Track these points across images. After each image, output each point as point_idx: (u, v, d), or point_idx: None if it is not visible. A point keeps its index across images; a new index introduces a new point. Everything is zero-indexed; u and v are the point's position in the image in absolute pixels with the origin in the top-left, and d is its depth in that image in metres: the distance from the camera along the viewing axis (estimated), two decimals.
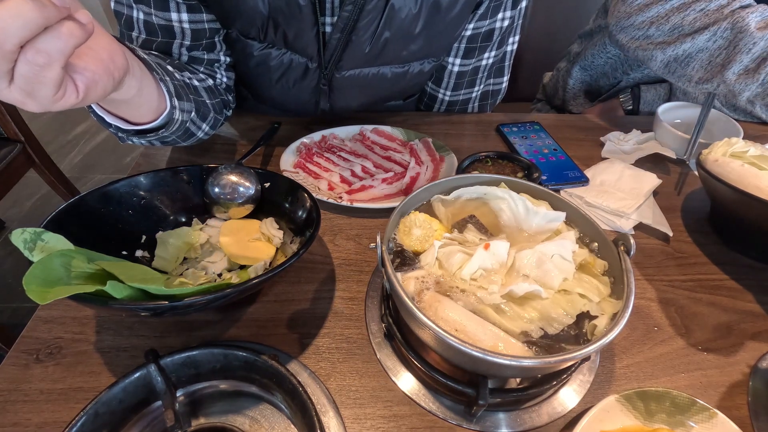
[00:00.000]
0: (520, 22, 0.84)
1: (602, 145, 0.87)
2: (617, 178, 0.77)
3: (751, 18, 0.69)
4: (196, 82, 0.68)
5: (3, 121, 1.38)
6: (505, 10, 0.79)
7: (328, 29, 0.70)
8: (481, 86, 0.92)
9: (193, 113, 0.63)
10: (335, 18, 0.69)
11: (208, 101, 0.69)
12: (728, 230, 0.68)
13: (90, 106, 0.48)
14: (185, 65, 0.70)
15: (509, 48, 0.88)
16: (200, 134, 0.69)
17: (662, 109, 0.87)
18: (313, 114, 0.88)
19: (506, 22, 0.81)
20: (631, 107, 1.04)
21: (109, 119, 0.52)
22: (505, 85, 0.95)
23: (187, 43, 0.68)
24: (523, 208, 0.51)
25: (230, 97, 0.80)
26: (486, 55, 0.85)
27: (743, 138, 0.72)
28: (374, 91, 0.84)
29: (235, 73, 0.81)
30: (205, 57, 0.72)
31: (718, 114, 0.88)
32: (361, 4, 0.65)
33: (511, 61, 0.92)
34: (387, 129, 0.85)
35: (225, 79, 0.77)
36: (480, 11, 0.77)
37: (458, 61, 0.85)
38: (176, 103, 0.56)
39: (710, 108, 0.82)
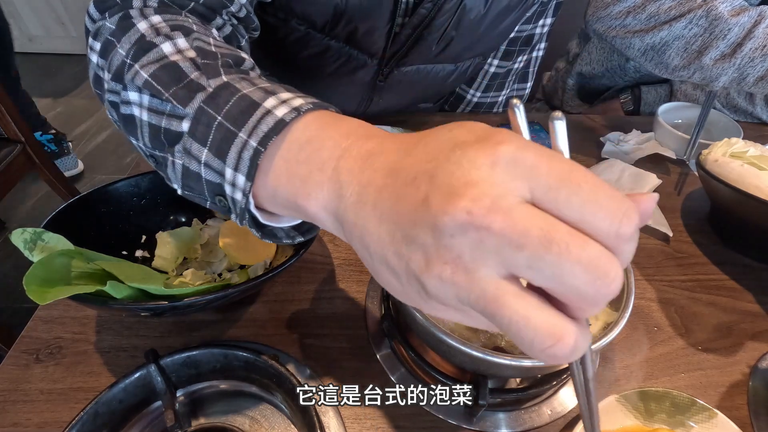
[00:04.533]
0: (551, 30, 0.85)
1: (602, 145, 0.87)
2: (617, 178, 0.77)
3: (723, 7, 0.71)
4: None
5: (3, 122, 1.37)
6: (546, 17, 0.81)
7: (400, 24, 0.68)
8: (508, 90, 0.93)
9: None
10: (408, 17, 0.67)
11: None
12: (728, 230, 0.68)
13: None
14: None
15: (536, 54, 0.89)
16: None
17: (662, 109, 0.87)
18: (352, 112, 0.88)
19: (546, 29, 0.82)
20: (631, 108, 1.05)
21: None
22: (528, 91, 0.97)
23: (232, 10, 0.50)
24: None
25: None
26: (520, 58, 0.87)
27: (743, 138, 0.72)
28: (421, 90, 0.83)
29: (274, 62, 0.76)
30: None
31: (718, 114, 0.88)
32: (441, 3, 0.64)
33: (536, 68, 0.93)
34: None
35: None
36: (528, 14, 0.78)
37: (496, 62, 0.86)
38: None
39: (710, 108, 0.82)
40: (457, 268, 0.19)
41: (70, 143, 2.06)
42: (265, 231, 0.33)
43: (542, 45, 0.88)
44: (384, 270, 0.22)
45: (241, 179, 0.28)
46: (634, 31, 0.80)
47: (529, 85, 0.95)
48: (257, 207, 0.30)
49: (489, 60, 0.86)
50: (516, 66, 0.88)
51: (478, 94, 0.92)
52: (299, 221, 0.33)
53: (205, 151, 0.30)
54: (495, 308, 0.18)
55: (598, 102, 1.12)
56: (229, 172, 0.29)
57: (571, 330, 0.18)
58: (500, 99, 0.94)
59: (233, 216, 0.32)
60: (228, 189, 0.30)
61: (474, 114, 0.97)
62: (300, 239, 0.34)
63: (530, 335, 0.18)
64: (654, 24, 0.77)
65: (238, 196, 0.29)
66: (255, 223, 0.31)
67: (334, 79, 0.76)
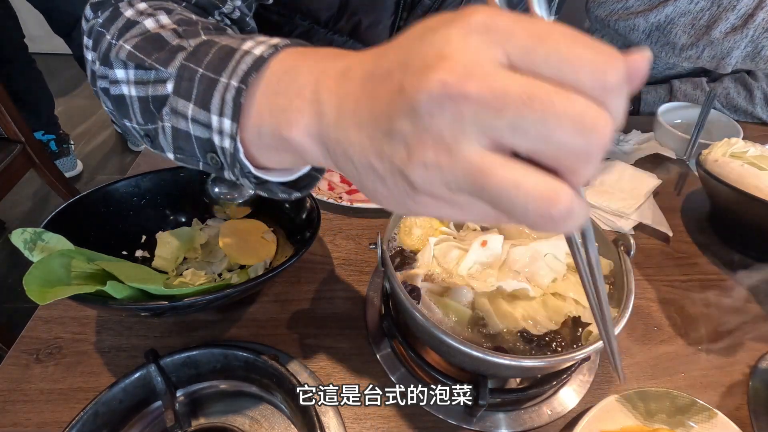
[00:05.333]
0: None
1: None
2: (617, 178, 0.77)
3: None
4: None
5: (3, 121, 1.37)
6: (550, 16, 0.80)
7: (404, 18, 0.68)
8: None
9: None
10: (412, 9, 0.67)
11: None
12: (728, 230, 0.68)
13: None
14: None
15: None
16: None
17: (662, 109, 0.87)
18: None
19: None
20: (631, 108, 1.04)
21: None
22: None
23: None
24: None
25: None
26: None
27: (743, 138, 0.72)
28: None
29: None
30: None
31: (718, 114, 0.88)
32: None
33: None
34: None
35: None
36: None
37: None
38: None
39: (710, 108, 0.82)
40: (440, 149, 0.18)
41: (72, 144, 2.08)
42: (259, 183, 0.32)
43: None
44: (370, 178, 0.22)
45: (227, 123, 0.28)
46: (637, 12, 0.77)
47: None
48: (248, 159, 0.30)
49: None
50: None
51: None
52: (293, 177, 0.33)
53: (191, 105, 0.30)
54: (483, 180, 0.17)
55: None
56: (215, 120, 0.29)
57: (566, 190, 0.17)
58: None
59: (226, 173, 0.32)
60: (216, 139, 0.30)
61: None
62: (297, 195, 0.34)
63: (523, 200, 0.17)
64: (658, 1, 0.75)
65: (227, 143, 0.29)
66: (247, 174, 0.31)
67: None
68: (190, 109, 0.30)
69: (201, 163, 0.33)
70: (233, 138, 0.28)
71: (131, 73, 0.34)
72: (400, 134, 0.19)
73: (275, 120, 0.26)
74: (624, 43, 0.99)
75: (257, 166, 0.30)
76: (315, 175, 0.34)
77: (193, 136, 0.31)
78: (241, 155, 0.29)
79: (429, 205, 0.20)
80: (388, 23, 0.67)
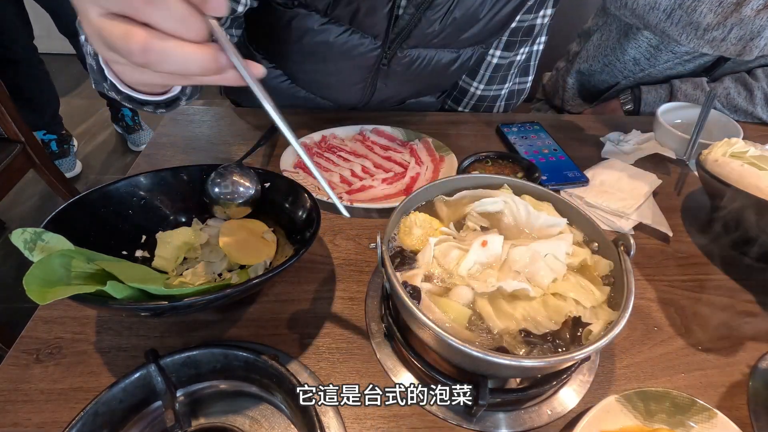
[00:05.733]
0: (550, 23, 0.86)
1: (602, 145, 0.87)
2: (617, 178, 0.77)
3: None
4: None
5: (3, 121, 1.38)
6: (547, 8, 0.81)
7: (402, 5, 0.69)
8: (510, 83, 0.94)
9: (189, 92, 0.60)
10: None
11: None
12: (728, 230, 0.68)
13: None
14: None
15: (536, 47, 0.90)
16: (182, 105, 0.66)
17: (662, 109, 0.87)
18: (358, 100, 0.88)
19: (546, 20, 0.83)
20: (631, 108, 1.05)
21: (111, 76, 0.45)
22: (528, 85, 0.97)
23: None
24: (525, 212, 0.51)
25: None
26: (522, 50, 0.87)
27: (743, 138, 0.72)
28: (425, 78, 0.84)
29: (275, 52, 0.81)
30: None
31: (718, 114, 0.88)
32: None
33: (536, 62, 0.93)
34: (387, 129, 0.85)
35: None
36: (529, 3, 0.78)
37: (498, 53, 0.87)
38: (188, 90, 0.57)
39: (710, 108, 0.82)
40: (86, 22, 0.30)
41: (74, 145, 2.09)
42: (128, 98, 0.47)
43: (542, 39, 0.89)
44: (109, 58, 0.33)
45: (89, 47, 0.44)
46: None
47: (530, 79, 0.96)
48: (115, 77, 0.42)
49: (491, 51, 0.87)
50: (518, 58, 0.88)
51: (482, 86, 0.93)
52: (162, 99, 0.49)
53: (87, 44, 0.48)
54: (103, 35, 0.29)
55: (598, 102, 1.12)
56: (90, 48, 0.46)
57: (139, 31, 0.28)
58: (503, 93, 0.94)
59: (109, 92, 0.48)
60: (92, 61, 0.49)
61: (475, 111, 0.97)
62: (162, 111, 0.55)
63: (118, 42, 0.28)
64: None
65: (94, 62, 0.48)
66: (114, 88, 0.45)
67: (338, 62, 0.78)
68: (89, 47, 0.49)
69: (107, 86, 0.49)
70: (95, 56, 0.46)
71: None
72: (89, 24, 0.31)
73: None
74: (642, 25, 0.92)
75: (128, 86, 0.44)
76: (180, 96, 0.53)
77: (94, 68, 0.50)
78: (106, 72, 0.43)
79: (116, 66, 0.34)
80: (386, 10, 0.68)
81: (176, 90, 0.51)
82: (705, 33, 0.71)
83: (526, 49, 0.88)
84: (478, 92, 0.94)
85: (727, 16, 0.68)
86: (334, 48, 0.74)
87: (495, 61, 0.88)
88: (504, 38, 0.84)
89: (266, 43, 0.84)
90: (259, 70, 0.33)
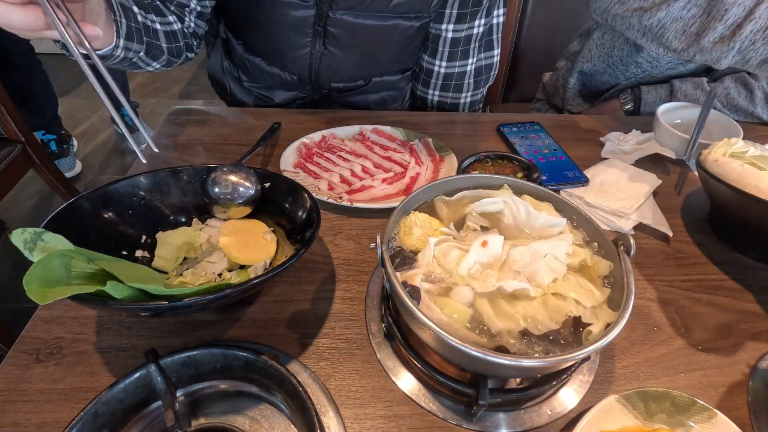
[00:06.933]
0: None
1: (602, 145, 0.87)
2: (617, 178, 0.77)
3: None
4: (158, 26, 0.72)
5: (3, 121, 1.38)
6: None
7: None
8: (475, 59, 0.94)
9: (142, 53, 0.68)
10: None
11: (164, 45, 0.74)
12: (728, 230, 0.68)
13: None
14: (157, 6, 0.74)
15: (495, 21, 0.91)
16: (150, 68, 0.75)
17: (662, 109, 0.87)
18: (308, 65, 0.89)
19: None
20: (631, 108, 1.04)
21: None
22: (496, 59, 0.97)
23: None
24: (525, 212, 0.51)
25: (195, 42, 0.84)
26: (476, 22, 0.88)
27: (743, 138, 0.72)
28: (367, 45, 0.86)
29: (236, 28, 0.88)
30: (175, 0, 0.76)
31: (718, 114, 0.88)
32: None
33: (500, 35, 0.94)
34: (387, 129, 0.85)
35: (193, 25, 0.81)
36: None
37: (451, 26, 0.88)
38: (122, 43, 0.62)
39: (710, 108, 0.82)
40: None
41: (74, 145, 2.09)
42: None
43: (500, 11, 0.90)
44: None
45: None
46: (633, 9, 0.78)
47: (496, 53, 0.96)
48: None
49: (444, 26, 0.88)
50: (476, 31, 0.89)
51: (444, 63, 0.93)
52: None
53: None
54: None
55: (598, 102, 1.12)
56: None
57: None
58: (468, 69, 0.95)
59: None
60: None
61: (444, 91, 0.99)
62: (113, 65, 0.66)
63: None
64: (653, 2, 0.75)
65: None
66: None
67: (279, 27, 0.82)
68: None
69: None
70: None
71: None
72: None
73: None
74: (624, 40, 0.99)
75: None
76: (113, 52, 0.62)
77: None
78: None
79: None
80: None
81: (108, 48, 0.60)
82: (676, 53, 0.77)
83: (482, 21, 0.88)
84: (442, 70, 0.94)
85: (690, 45, 0.73)
86: (272, 13, 0.80)
87: (449, 35, 0.89)
88: (454, 12, 0.85)
89: (233, 24, 0.91)
90: (93, 31, 0.44)
